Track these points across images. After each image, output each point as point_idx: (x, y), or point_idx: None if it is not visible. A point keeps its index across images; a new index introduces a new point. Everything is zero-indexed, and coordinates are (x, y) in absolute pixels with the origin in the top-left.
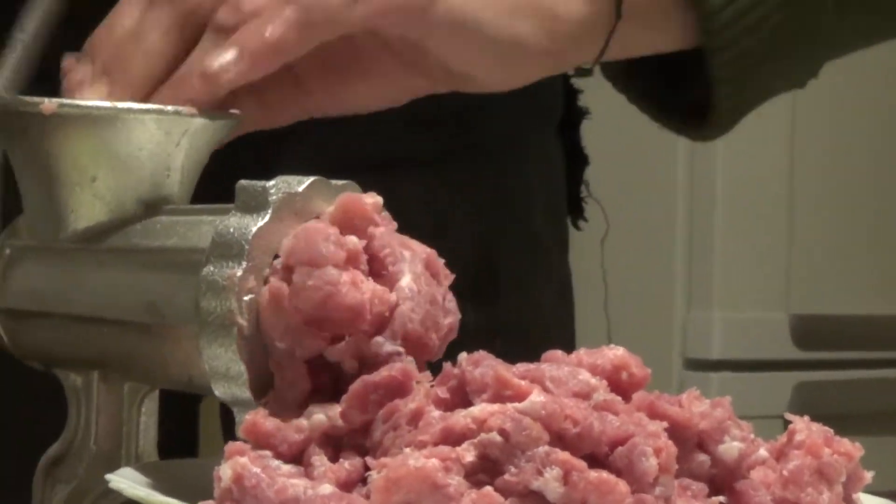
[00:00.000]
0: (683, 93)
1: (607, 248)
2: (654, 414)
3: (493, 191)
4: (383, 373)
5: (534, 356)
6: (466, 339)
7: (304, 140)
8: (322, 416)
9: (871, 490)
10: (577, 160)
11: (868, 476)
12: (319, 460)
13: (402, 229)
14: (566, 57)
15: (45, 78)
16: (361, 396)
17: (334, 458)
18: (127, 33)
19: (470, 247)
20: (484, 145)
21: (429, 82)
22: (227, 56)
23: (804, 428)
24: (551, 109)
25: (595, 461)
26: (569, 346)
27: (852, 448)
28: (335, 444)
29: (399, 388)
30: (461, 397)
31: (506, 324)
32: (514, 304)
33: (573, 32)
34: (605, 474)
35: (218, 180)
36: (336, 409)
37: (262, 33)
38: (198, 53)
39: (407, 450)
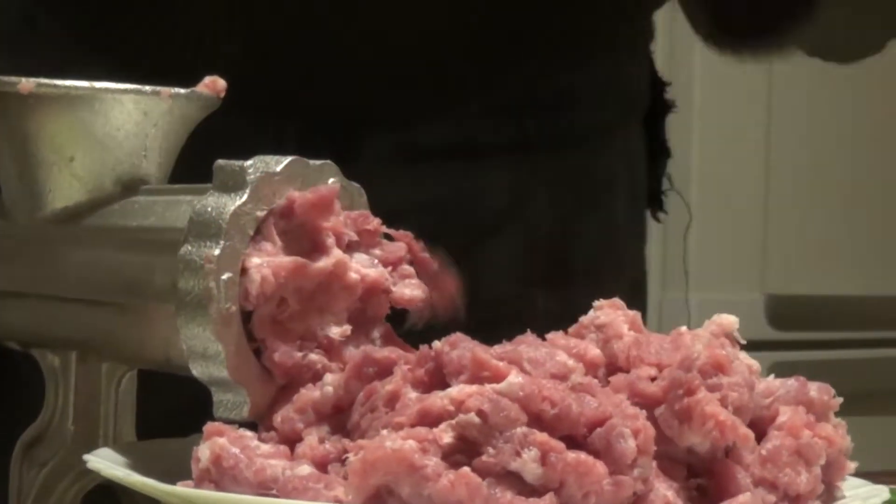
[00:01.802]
0: None
1: None
2: (633, 394)
3: (575, 180)
4: (385, 351)
5: None
6: (535, 322)
7: (385, 126)
8: (330, 387)
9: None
10: (659, 153)
11: (852, 466)
12: (308, 439)
13: (482, 214)
14: None
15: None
16: (359, 368)
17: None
18: None
19: (547, 234)
20: (569, 134)
21: None
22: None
23: (788, 409)
24: (639, 101)
25: (573, 442)
26: None
27: (834, 434)
28: (327, 422)
29: (391, 370)
30: (438, 379)
31: (575, 313)
32: (586, 292)
33: None
34: (583, 455)
35: None
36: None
37: None
38: None
39: (384, 431)
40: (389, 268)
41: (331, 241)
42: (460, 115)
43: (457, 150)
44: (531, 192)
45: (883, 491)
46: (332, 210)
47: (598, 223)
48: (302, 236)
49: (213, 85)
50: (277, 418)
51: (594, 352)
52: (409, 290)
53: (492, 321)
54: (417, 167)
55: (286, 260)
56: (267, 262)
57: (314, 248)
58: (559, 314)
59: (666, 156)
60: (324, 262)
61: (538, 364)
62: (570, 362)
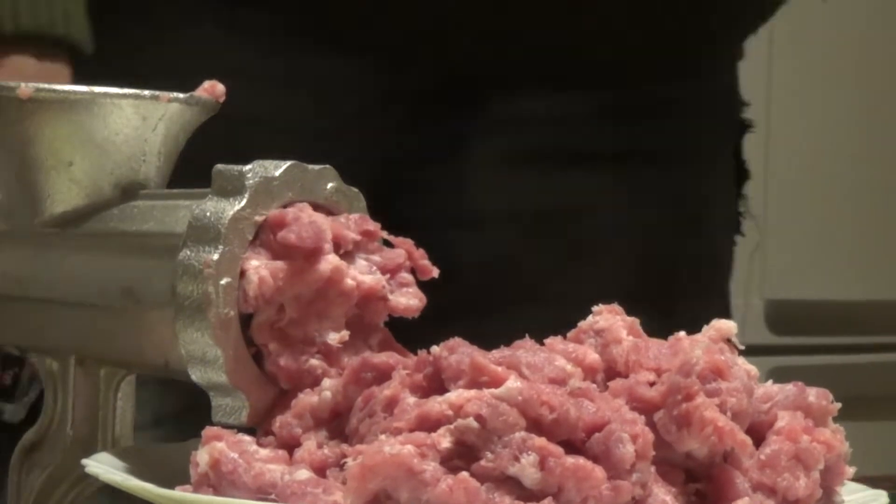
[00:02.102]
0: None
1: None
2: (632, 399)
3: (675, 198)
4: (383, 356)
5: None
6: None
7: (495, 129)
8: (328, 392)
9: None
10: (741, 174)
11: (850, 471)
12: (307, 444)
13: (580, 226)
14: None
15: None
16: (357, 373)
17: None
18: None
19: (652, 247)
20: (669, 149)
21: None
22: None
23: (786, 415)
24: (734, 120)
25: (572, 447)
26: None
27: (832, 438)
28: (325, 427)
29: (389, 375)
30: (437, 384)
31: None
32: (689, 315)
33: None
34: (581, 460)
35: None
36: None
37: None
38: None
39: (382, 436)
40: (388, 275)
41: (328, 246)
42: (566, 121)
43: (560, 156)
44: (630, 205)
45: (882, 495)
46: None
47: (699, 247)
48: None
49: (213, 89)
50: (276, 423)
51: (593, 357)
52: (406, 298)
53: None
54: (517, 165)
55: (284, 263)
56: (265, 264)
57: (312, 253)
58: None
59: (746, 177)
60: (321, 268)
61: (537, 369)
62: (569, 367)
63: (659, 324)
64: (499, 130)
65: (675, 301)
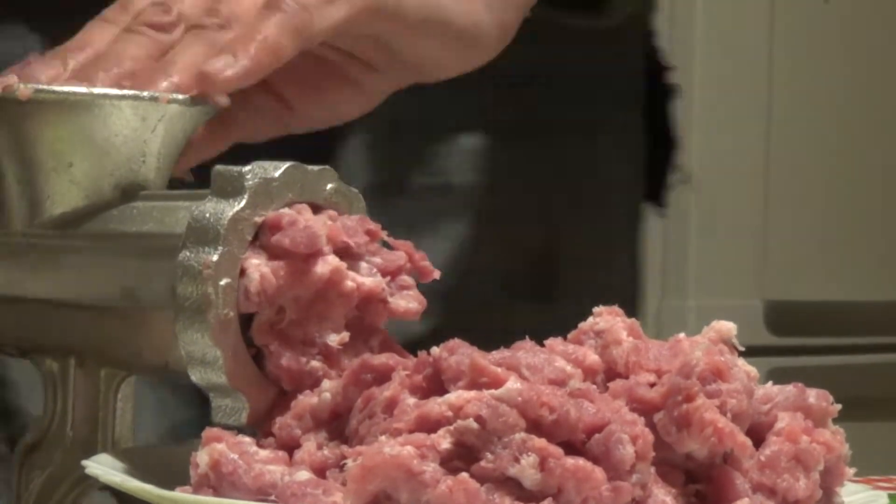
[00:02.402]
0: None
1: None
2: (632, 400)
3: (562, 169)
4: (382, 357)
5: None
6: (514, 336)
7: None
8: (328, 394)
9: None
10: (661, 144)
11: (851, 472)
12: (306, 445)
13: (454, 202)
14: (514, 29)
15: None
16: (356, 374)
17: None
18: (103, 46)
19: (530, 235)
20: (550, 125)
21: (395, 81)
22: (220, 61)
23: (786, 415)
24: (628, 90)
25: (572, 448)
26: None
27: (832, 439)
28: (325, 428)
29: (388, 376)
30: (437, 385)
31: (561, 326)
32: (574, 300)
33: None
34: (581, 461)
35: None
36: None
37: (256, 38)
38: (180, 49)
39: (382, 437)
40: (388, 277)
41: (327, 248)
42: (437, 92)
43: (426, 127)
44: (510, 183)
45: (881, 496)
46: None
47: (587, 224)
48: None
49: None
50: (275, 425)
51: (592, 358)
52: (406, 301)
53: (467, 331)
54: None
55: (283, 263)
56: (265, 262)
57: (306, 257)
58: (543, 326)
59: (670, 146)
60: (319, 270)
61: (536, 370)
62: (569, 368)
63: (542, 315)
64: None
65: (557, 290)
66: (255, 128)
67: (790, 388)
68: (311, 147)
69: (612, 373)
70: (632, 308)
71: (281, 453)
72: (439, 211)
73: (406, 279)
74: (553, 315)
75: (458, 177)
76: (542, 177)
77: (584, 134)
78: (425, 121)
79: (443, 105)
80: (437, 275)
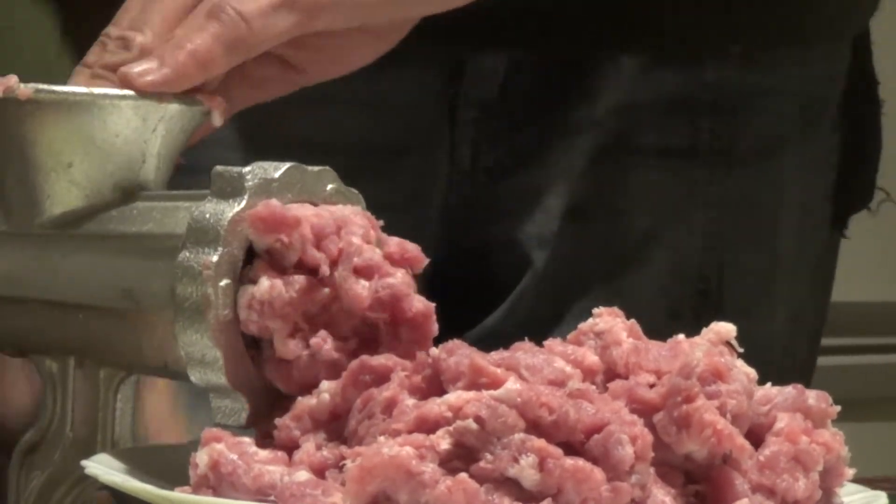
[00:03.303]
0: None
1: None
2: (631, 401)
3: (735, 200)
4: (381, 358)
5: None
6: None
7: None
8: (326, 395)
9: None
10: (856, 159)
11: (850, 472)
12: (305, 446)
13: (626, 222)
14: None
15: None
16: (355, 375)
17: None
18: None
19: (697, 258)
20: (736, 147)
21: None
22: (144, 63)
23: (785, 416)
24: (824, 105)
25: (571, 449)
26: (799, 376)
27: (832, 440)
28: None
29: (387, 377)
30: (436, 386)
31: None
32: (737, 330)
33: None
34: (580, 462)
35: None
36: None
37: (185, 46)
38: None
39: (381, 438)
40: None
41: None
42: (630, 113)
43: (610, 150)
44: (685, 204)
45: (881, 496)
46: (286, 226)
47: (758, 250)
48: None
49: (212, 101)
50: (274, 426)
51: (592, 358)
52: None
53: None
54: (564, 158)
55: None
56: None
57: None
58: None
59: (867, 165)
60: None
61: (536, 371)
62: (568, 369)
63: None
64: (572, 136)
65: (719, 310)
66: (258, 96)
67: (789, 390)
68: None
69: (611, 373)
70: (803, 340)
71: (280, 454)
72: (616, 234)
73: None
74: None
75: (636, 201)
76: (719, 198)
77: (765, 160)
78: (613, 145)
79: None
80: (424, 260)
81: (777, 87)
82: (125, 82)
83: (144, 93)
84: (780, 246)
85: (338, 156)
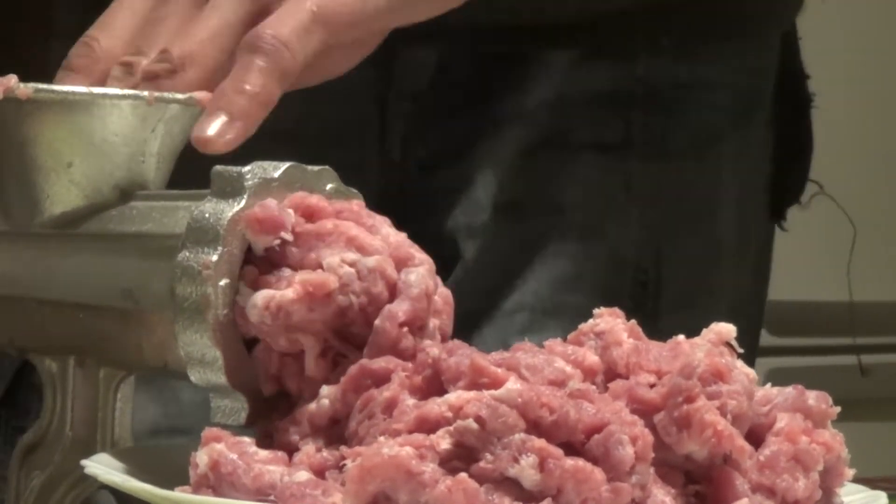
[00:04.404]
0: None
1: None
2: (632, 401)
3: (671, 192)
4: (381, 361)
5: None
6: None
7: (503, 125)
8: (326, 400)
9: None
10: (790, 155)
11: (850, 472)
12: (305, 448)
13: (564, 213)
14: None
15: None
16: (356, 380)
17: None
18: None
19: (634, 251)
20: (671, 139)
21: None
22: (216, 124)
23: (785, 416)
24: (759, 98)
25: (571, 449)
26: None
27: (832, 440)
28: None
29: (388, 380)
30: (436, 386)
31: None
32: (674, 322)
33: None
34: (581, 462)
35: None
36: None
37: (245, 90)
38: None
39: (381, 438)
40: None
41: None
42: (561, 107)
43: (544, 145)
44: (622, 196)
45: (881, 496)
46: (279, 227)
47: (696, 241)
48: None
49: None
50: (274, 430)
51: (592, 359)
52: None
53: None
54: (494, 151)
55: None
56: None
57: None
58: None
59: (800, 158)
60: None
61: (536, 371)
62: (568, 369)
63: (646, 332)
64: (503, 128)
65: (660, 307)
66: None
67: (789, 390)
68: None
69: (612, 374)
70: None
71: (280, 454)
72: (551, 228)
73: None
74: (655, 330)
75: (571, 195)
76: (655, 191)
77: (701, 152)
78: (546, 139)
79: (575, 121)
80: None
81: (709, 80)
82: (205, 147)
83: (143, 93)
84: (719, 237)
85: (269, 142)
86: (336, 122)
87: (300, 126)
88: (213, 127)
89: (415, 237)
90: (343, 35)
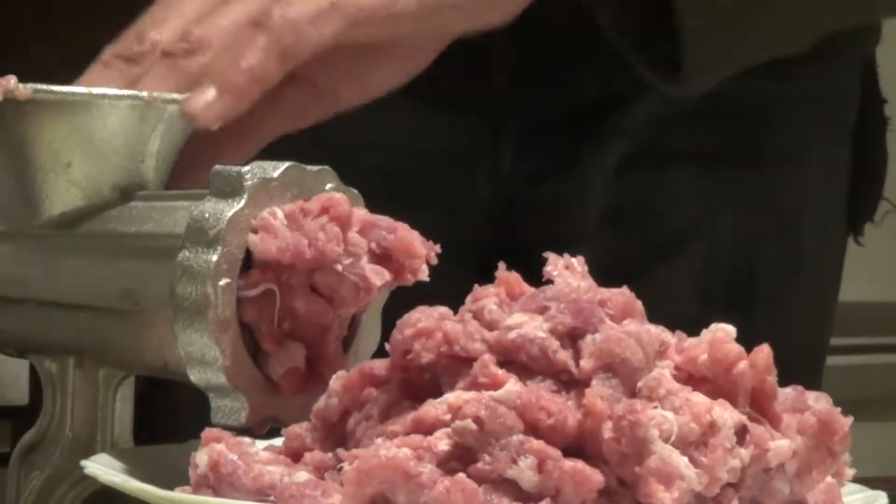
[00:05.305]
0: (662, 40)
1: None
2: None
3: (763, 199)
4: (381, 363)
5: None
6: None
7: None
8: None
9: None
10: (866, 175)
11: (850, 472)
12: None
13: (663, 221)
14: None
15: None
16: (356, 381)
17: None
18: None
19: (729, 252)
20: (763, 150)
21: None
22: (205, 97)
23: (785, 416)
24: (843, 118)
25: (570, 450)
26: (814, 371)
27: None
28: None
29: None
30: (434, 388)
31: (753, 339)
32: (764, 320)
33: None
34: (580, 464)
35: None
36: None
37: (239, 65)
38: (147, 80)
39: (378, 440)
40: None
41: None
42: (660, 119)
43: (645, 156)
44: (717, 205)
45: (881, 496)
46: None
47: (784, 246)
48: None
49: None
50: (289, 432)
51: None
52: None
53: None
54: (599, 169)
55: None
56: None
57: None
58: (736, 339)
59: (875, 178)
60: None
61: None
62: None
63: (735, 326)
64: (607, 142)
65: (752, 309)
66: (291, 124)
67: (789, 391)
68: None
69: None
70: (824, 336)
71: (281, 455)
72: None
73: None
74: (748, 326)
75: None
76: (747, 198)
77: (790, 163)
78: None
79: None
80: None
81: (796, 98)
82: (192, 119)
83: (142, 93)
84: (803, 244)
85: (389, 157)
86: (449, 138)
87: (415, 141)
88: (202, 100)
89: (524, 246)
90: (364, 29)
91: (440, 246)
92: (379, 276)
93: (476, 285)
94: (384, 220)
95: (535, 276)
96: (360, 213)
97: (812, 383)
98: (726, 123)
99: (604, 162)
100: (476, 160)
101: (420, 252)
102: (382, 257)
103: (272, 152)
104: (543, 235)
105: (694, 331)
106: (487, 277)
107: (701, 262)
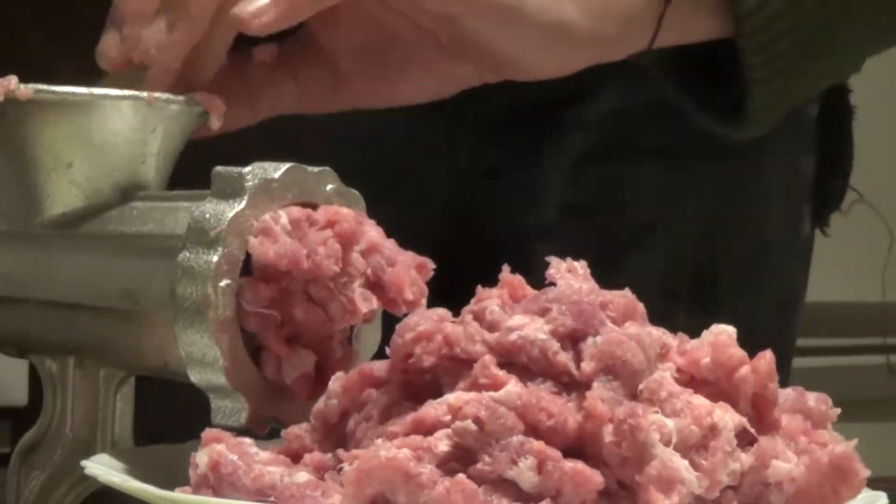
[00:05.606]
0: (722, 89)
1: None
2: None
3: (726, 192)
4: (381, 364)
5: None
6: None
7: (564, 135)
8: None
9: None
10: (830, 165)
11: None
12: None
13: (626, 215)
14: (615, 42)
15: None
16: (356, 382)
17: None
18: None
19: (693, 246)
20: (725, 143)
21: (476, 71)
22: (259, 2)
23: (785, 416)
24: (805, 109)
25: (570, 450)
26: (781, 366)
27: (830, 440)
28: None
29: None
30: (434, 388)
31: None
32: (729, 314)
33: (622, 16)
34: (579, 465)
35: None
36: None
37: None
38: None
39: (378, 440)
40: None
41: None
42: (622, 114)
43: (607, 150)
44: (680, 198)
45: (881, 497)
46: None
47: (748, 237)
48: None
49: (211, 104)
50: (288, 433)
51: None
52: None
53: None
54: (558, 163)
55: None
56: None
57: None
58: (699, 333)
59: (839, 168)
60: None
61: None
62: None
63: (699, 319)
64: (567, 135)
65: (717, 299)
66: (301, 100)
67: (789, 391)
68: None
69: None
70: (789, 328)
71: (281, 455)
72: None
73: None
74: (710, 321)
75: (632, 195)
76: (709, 196)
77: (752, 156)
78: (608, 145)
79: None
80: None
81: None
82: (239, 24)
83: (143, 93)
84: (768, 236)
85: (336, 148)
86: (405, 131)
87: (370, 134)
88: (254, 5)
89: (485, 239)
90: None
91: (397, 239)
92: (366, 303)
93: (479, 287)
94: (388, 249)
95: (495, 271)
96: (372, 233)
97: (780, 379)
98: (687, 117)
99: (564, 156)
100: (434, 153)
101: (407, 296)
102: (375, 285)
103: (231, 143)
104: (504, 229)
105: (658, 325)
106: (446, 271)
107: (664, 256)
